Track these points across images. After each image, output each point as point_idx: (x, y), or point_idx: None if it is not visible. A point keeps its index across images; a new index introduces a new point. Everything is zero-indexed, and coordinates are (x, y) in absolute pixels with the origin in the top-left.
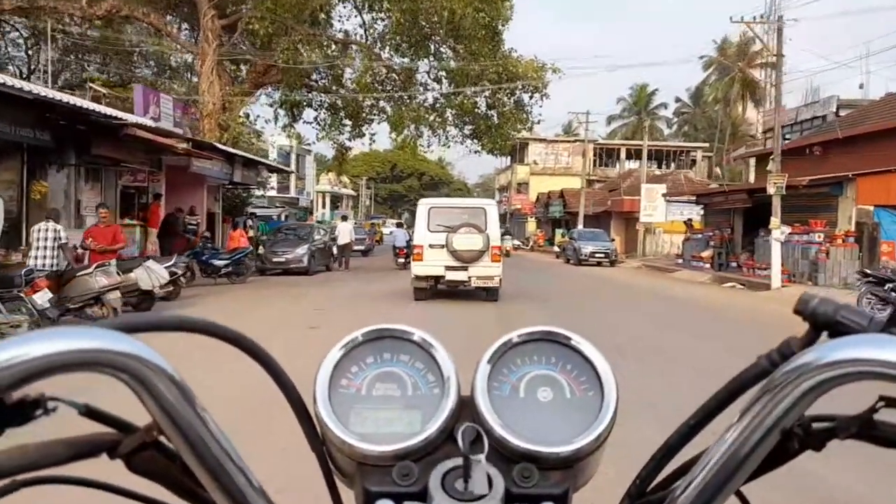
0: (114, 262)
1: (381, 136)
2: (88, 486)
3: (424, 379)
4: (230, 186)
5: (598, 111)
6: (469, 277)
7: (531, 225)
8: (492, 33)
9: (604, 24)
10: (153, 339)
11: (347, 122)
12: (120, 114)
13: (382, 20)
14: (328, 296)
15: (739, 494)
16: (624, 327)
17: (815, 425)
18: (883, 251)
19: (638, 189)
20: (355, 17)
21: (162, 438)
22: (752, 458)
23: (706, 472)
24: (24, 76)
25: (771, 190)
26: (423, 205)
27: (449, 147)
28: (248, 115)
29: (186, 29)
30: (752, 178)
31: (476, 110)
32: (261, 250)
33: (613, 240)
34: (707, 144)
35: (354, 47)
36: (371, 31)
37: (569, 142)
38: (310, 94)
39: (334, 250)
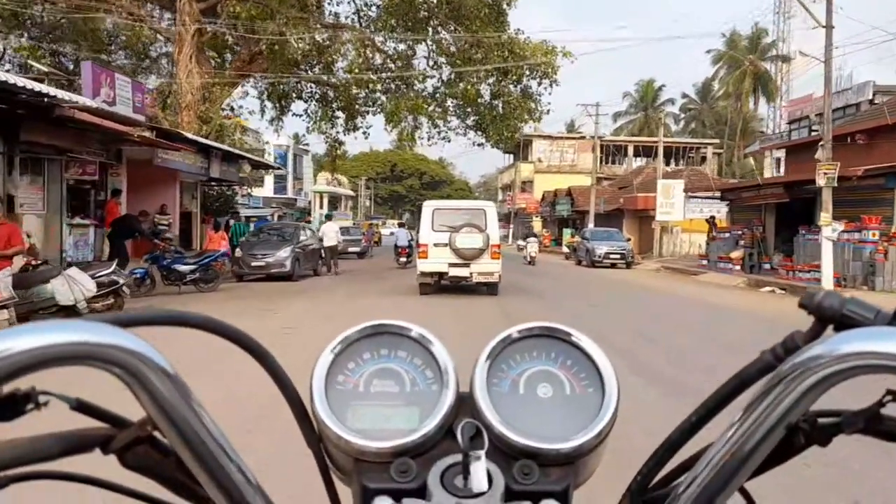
0: (8, 270)
1: (377, 132)
2: (81, 481)
3: (423, 375)
4: (210, 184)
5: (602, 108)
6: (470, 273)
7: (537, 224)
8: (496, 13)
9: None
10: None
11: (340, 114)
12: (53, 91)
13: (377, 5)
14: (305, 308)
15: (743, 490)
16: (663, 341)
17: (821, 420)
18: None
19: (651, 186)
20: (347, 1)
21: (156, 434)
22: (757, 453)
23: (710, 468)
24: None
25: (821, 181)
26: (428, 206)
27: (450, 140)
28: (232, 108)
29: (170, 19)
30: (768, 174)
31: (479, 100)
32: (238, 253)
33: (629, 239)
34: (718, 140)
35: (346, 32)
36: (364, 14)
37: (574, 138)
38: (299, 84)
39: (323, 252)
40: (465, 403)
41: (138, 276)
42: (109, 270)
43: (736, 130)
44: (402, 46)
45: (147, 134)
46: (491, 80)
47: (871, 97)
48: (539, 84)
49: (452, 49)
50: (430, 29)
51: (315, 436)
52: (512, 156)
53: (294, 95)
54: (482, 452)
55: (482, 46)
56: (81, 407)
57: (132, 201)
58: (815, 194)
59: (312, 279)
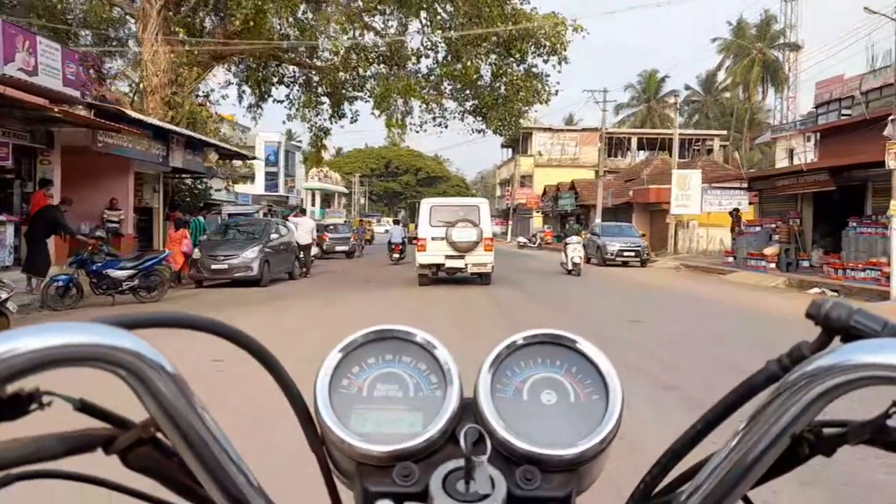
0: None
1: (366, 119)
2: (84, 480)
3: (427, 380)
4: (181, 177)
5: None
6: (465, 265)
7: (537, 220)
8: None
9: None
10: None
11: (325, 100)
12: None
13: None
14: (263, 325)
15: (746, 500)
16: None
17: (826, 431)
18: None
19: (661, 178)
20: None
21: (159, 435)
22: (761, 463)
23: (713, 477)
24: None
25: (892, 163)
26: (426, 204)
27: (446, 127)
28: (208, 95)
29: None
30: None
31: (479, 81)
32: (196, 254)
33: (643, 235)
34: (725, 132)
35: (331, 9)
36: None
37: (576, 131)
38: (279, 67)
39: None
40: (468, 409)
41: (61, 283)
42: None
43: (743, 121)
44: (393, 23)
45: (83, 113)
46: (492, 59)
47: None
48: (546, 62)
49: (450, 24)
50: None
51: (318, 439)
52: (511, 150)
53: (275, 79)
54: (484, 458)
55: (483, 18)
56: (85, 408)
57: (72, 195)
58: (864, 181)
59: (286, 284)
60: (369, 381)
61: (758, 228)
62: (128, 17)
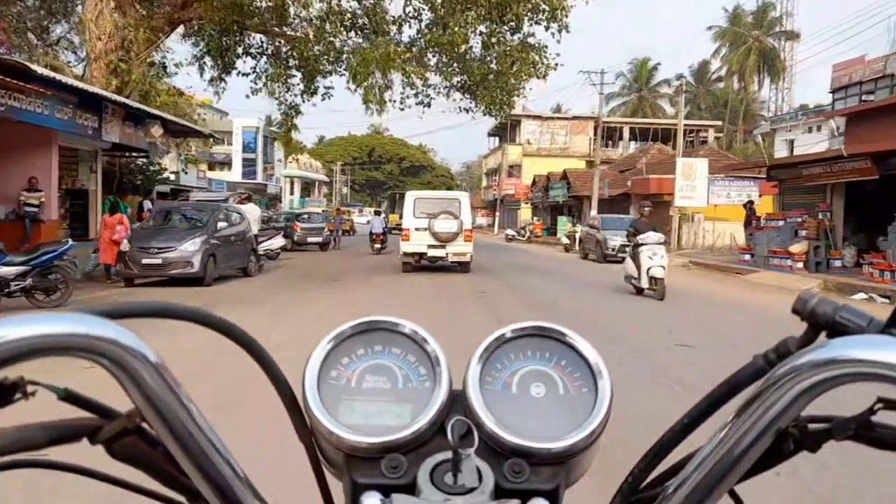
0: None
1: (345, 102)
2: (68, 470)
3: (416, 372)
4: (125, 155)
5: (592, 91)
6: (447, 254)
7: (525, 212)
8: None
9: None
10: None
11: (296, 73)
12: None
13: None
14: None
15: (733, 494)
16: None
17: (812, 426)
18: None
19: (660, 168)
20: None
21: (144, 425)
22: (747, 457)
23: (699, 471)
24: None
25: None
26: (410, 196)
27: (429, 105)
28: (164, 66)
29: None
30: (779, 156)
31: (468, 53)
32: (125, 246)
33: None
34: (720, 123)
35: None
36: None
37: (567, 119)
38: (243, 37)
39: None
40: (457, 401)
41: None
42: None
43: (738, 112)
44: None
45: None
46: (483, 28)
47: None
48: (547, 29)
49: None
50: None
51: (307, 430)
52: (498, 138)
53: (239, 49)
54: (472, 450)
55: None
56: (70, 397)
57: None
58: None
59: (236, 283)
60: (358, 373)
61: (780, 223)
62: None
